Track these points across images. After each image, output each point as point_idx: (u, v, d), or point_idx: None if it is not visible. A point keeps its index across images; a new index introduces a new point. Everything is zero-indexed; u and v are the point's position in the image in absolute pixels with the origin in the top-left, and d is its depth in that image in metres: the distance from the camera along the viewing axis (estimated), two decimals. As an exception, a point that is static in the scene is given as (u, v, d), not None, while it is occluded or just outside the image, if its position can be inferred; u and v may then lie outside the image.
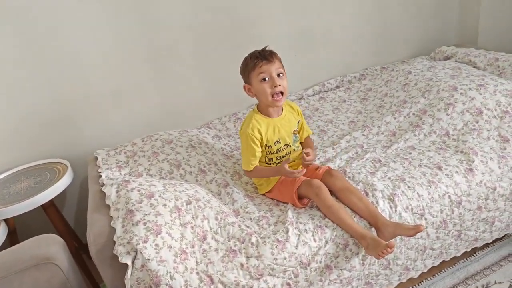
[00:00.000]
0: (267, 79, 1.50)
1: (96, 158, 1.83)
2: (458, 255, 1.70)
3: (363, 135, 1.93)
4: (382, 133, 1.92)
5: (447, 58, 2.45)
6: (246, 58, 1.55)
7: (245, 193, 1.65)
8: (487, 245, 1.81)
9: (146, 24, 1.97)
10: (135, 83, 2.04)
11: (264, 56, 1.50)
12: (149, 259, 1.23)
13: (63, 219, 1.93)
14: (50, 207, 1.78)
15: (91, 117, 2.00)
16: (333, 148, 1.86)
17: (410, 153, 1.73)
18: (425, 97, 1.95)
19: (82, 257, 1.94)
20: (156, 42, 2.02)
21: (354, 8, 2.45)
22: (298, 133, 1.70)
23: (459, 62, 2.32)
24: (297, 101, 2.37)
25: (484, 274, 1.70)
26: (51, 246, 1.33)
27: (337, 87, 2.50)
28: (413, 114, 1.94)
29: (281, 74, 1.52)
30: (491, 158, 1.64)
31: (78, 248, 2.01)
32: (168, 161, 1.74)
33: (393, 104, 2.07)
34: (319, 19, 2.37)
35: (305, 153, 1.53)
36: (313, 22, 2.36)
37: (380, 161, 1.71)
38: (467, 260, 1.76)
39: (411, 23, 2.66)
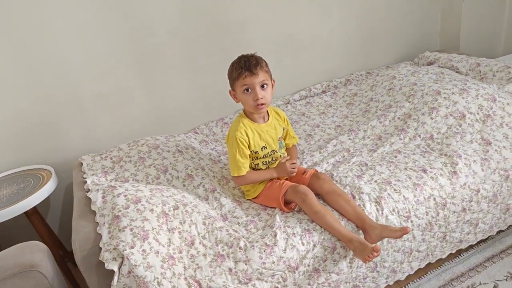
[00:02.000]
0: (249, 90, 1.49)
1: (81, 164, 1.81)
2: (444, 257, 1.72)
3: (350, 139, 1.95)
4: (368, 137, 1.94)
5: (430, 63, 2.50)
6: (233, 64, 1.54)
7: (233, 197, 1.65)
8: (471, 246, 1.83)
9: (133, 29, 1.96)
10: (121, 87, 2.03)
11: (249, 67, 1.47)
12: (136, 265, 1.22)
13: (47, 226, 1.90)
14: (33, 214, 1.74)
15: (76, 122, 1.98)
16: (320, 152, 1.87)
17: (395, 157, 1.75)
18: (410, 102, 1.98)
19: (67, 264, 1.91)
20: (143, 47, 2.01)
21: (340, 14, 2.48)
22: (284, 139, 1.71)
23: (442, 67, 2.36)
24: (283, 106, 2.38)
25: (469, 275, 1.72)
26: (35, 253, 1.30)
27: (323, 92, 2.52)
28: (398, 118, 1.96)
29: (265, 85, 1.51)
30: (474, 161, 1.67)
31: (62, 256, 1.98)
32: (154, 166, 1.72)
33: (379, 108, 2.10)
34: (306, 25, 2.39)
35: (292, 163, 1.56)
36: (300, 28, 2.38)
37: (366, 164, 1.72)
38: (452, 261, 1.78)
39: (395, 29, 2.71)
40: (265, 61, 1.54)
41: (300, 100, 2.45)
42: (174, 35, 2.07)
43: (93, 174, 1.70)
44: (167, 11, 2.01)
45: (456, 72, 2.28)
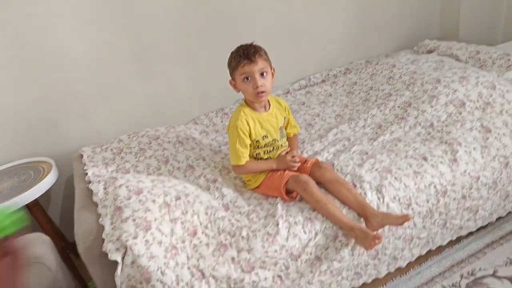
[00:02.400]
0: (249, 78, 1.49)
1: (82, 156, 1.81)
2: (444, 243, 1.74)
3: (350, 128, 1.95)
4: (369, 126, 1.94)
5: (430, 52, 2.49)
6: (232, 53, 1.54)
7: (234, 187, 1.65)
8: (471, 233, 1.84)
9: (131, 21, 1.94)
10: (120, 80, 2.02)
11: (247, 55, 1.47)
12: (139, 255, 1.22)
13: (49, 218, 1.90)
14: (35, 206, 1.74)
15: (76, 115, 1.97)
16: (320, 142, 1.87)
17: (396, 145, 1.75)
18: (410, 90, 1.98)
19: (69, 256, 1.91)
20: (141, 39, 2.00)
21: (340, 3, 2.46)
22: (285, 128, 1.71)
23: (441, 55, 2.36)
24: (283, 96, 2.38)
25: (469, 261, 1.73)
26: (38, 245, 1.31)
27: (323, 81, 2.51)
28: (398, 106, 1.96)
29: (264, 73, 1.50)
30: (474, 148, 1.67)
31: (64, 247, 1.99)
32: (155, 157, 1.72)
33: (378, 97, 2.10)
34: (305, 14, 2.38)
35: (292, 157, 1.57)
36: (299, 17, 2.37)
37: (367, 153, 1.73)
38: (452, 248, 1.80)
39: (394, 18, 2.69)
40: (264, 50, 1.53)
41: (300, 89, 2.44)
42: (173, 27, 2.06)
43: (94, 166, 1.70)
44: (165, 3, 1.99)
45: (456, 60, 2.27)
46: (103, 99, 2.01)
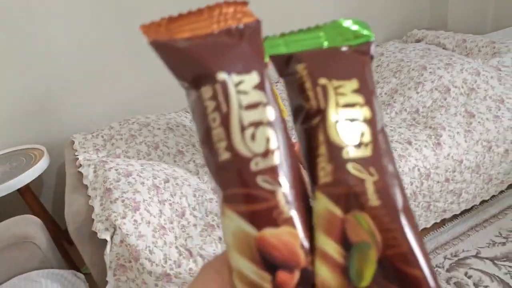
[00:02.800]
0: None
1: (73, 142, 1.83)
2: (428, 226, 1.78)
3: (337, 114, 1.98)
4: (356, 113, 1.97)
5: (418, 41, 2.52)
6: None
7: (223, 172, 1.68)
8: (456, 216, 1.89)
9: (122, 9, 1.96)
10: (112, 68, 2.04)
11: None
12: (128, 234, 1.25)
13: (41, 205, 1.93)
14: (27, 192, 1.77)
15: (68, 102, 2.00)
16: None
17: (382, 130, 1.79)
18: (396, 77, 2.02)
19: (62, 243, 1.94)
20: (133, 27, 2.02)
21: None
22: None
23: (429, 44, 2.39)
24: (275, 83, 2.41)
25: (452, 243, 1.78)
26: (29, 225, 1.34)
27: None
28: (385, 93, 2.00)
29: None
30: (458, 132, 1.71)
31: (57, 234, 2.01)
32: (145, 143, 1.75)
33: (366, 84, 2.13)
34: (296, 4, 2.40)
35: None
36: (291, 7, 2.39)
37: (353, 138, 1.76)
38: (437, 231, 1.84)
39: (386, 8, 2.72)
40: None
41: (289, 78, 2.47)
42: (165, 14, 2.07)
43: (84, 152, 1.72)
44: (155, -10, 2.01)
45: (443, 48, 2.31)
46: (94, 87, 2.03)
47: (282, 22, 2.41)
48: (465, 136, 1.71)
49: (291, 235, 0.26)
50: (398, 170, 0.28)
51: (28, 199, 1.78)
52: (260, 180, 0.27)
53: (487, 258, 1.69)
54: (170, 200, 1.41)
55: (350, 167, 0.27)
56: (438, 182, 1.65)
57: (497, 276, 1.61)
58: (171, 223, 1.37)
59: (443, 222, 1.87)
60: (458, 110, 1.81)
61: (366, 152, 0.28)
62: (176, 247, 1.32)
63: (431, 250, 1.76)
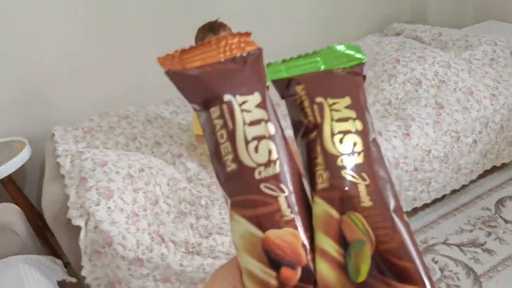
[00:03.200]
0: None
1: (54, 135, 1.88)
2: (400, 214, 1.84)
3: (314, 107, 2.03)
4: (331, 105, 2.03)
5: (398, 34, 2.57)
6: (199, 28, 1.65)
7: (199, 162, 1.73)
8: (428, 205, 1.95)
9: (104, 3, 2.00)
10: (93, 61, 2.08)
11: (212, 28, 1.58)
12: (101, 221, 1.31)
13: (24, 196, 1.97)
14: (9, 183, 1.82)
15: (50, 96, 2.04)
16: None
17: (354, 121, 1.84)
18: (372, 70, 2.07)
19: (45, 233, 1.99)
20: (114, 21, 2.06)
21: (309, -13, 2.53)
22: None
23: (407, 37, 2.44)
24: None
25: (423, 231, 1.84)
26: (8, 213, 1.39)
27: (294, 64, 2.59)
28: (360, 86, 2.05)
29: None
30: (427, 123, 1.76)
31: (41, 226, 2.06)
32: (124, 135, 1.80)
33: (343, 77, 2.18)
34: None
35: None
36: (268, 2, 2.43)
37: (326, 129, 1.81)
38: (409, 219, 1.90)
39: (366, 2, 2.76)
40: (228, 26, 1.63)
41: (270, 72, 2.52)
42: (145, 8, 2.12)
43: (65, 143, 1.77)
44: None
45: (421, 42, 2.35)
46: (78, 81, 2.07)
47: (263, 17, 2.46)
48: (433, 127, 1.76)
49: (293, 236, 0.29)
50: (390, 176, 0.32)
51: (10, 189, 1.82)
52: (263, 187, 0.30)
53: (454, 245, 1.75)
54: (144, 188, 1.46)
55: (344, 173, 0.31)
56: (407, 171, 1.71)
57: (462, 261, 1.67)
58: (145, 210, 1.42)
59: (416, 211, 1.93)
60: (428, 102, 1.86)
61: (358, 159, 0.31)
62: (149, 233, 1.38)
63: (401, 237, 1.82)
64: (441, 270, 1.65)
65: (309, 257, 0.30)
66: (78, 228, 1.35)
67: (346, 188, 0.30)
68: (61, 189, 1.46)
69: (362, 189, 0.30)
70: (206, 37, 1.57)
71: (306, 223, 0.30)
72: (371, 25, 2.85)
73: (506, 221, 1.82)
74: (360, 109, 0.33)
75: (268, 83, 0.34)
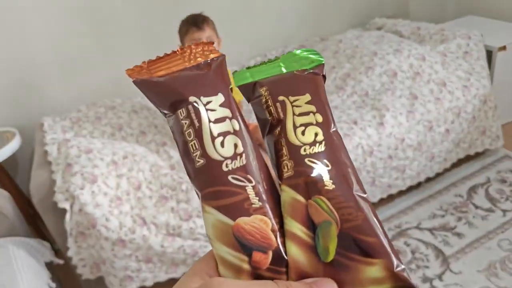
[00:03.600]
0: None
1: (43, 125, 1.94)
2: (375, 201, 1.92)
3: (295, 98, 2.11)
4: (311, 96, 2.10)
5: (379, 29, 2.64)
6: (182, 21, 1.70)
7: (183, 151, 1.81)
8: (403, 193, 2.03)
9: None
10: (81, 53, 2.14)
11: (196, 23, 1.64)
12: (85, 204, 1.38)
13: (15, 184, 2.04)
14: (0, 172, 1.88)
15: (38, 88, 2.10)
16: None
17: (332, 112, 1.92)
18: (350, 62, 2.15)
19: (37, 222, 2.06)
20: (100, 14, 2.12)
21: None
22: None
23: (388, 32, 2.52)
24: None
25: (397, 216, 1.92)
26: (-3, 197, 1.46)
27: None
28: (339, 78, 2.13)
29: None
30: (401, 113, 1.85)
31: (32, 215, 2.13)
32: (110, 125, 1.87)
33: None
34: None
35: None
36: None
37: (305, 119, 1.89)
38: (385, 206, 1.98)
39: (348, -3, 2.84)
40: (211, 20, 1.69)
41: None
42: (131, 3, 2.18)
43: (53, 133, 1.84)
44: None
45: (400, 36, 2.43)
46: (66, 72, 2.13)
47: (247, 12, 2.53)
48: (407, 117, 1.84)
49: (262, 221, 0.31)
50: (351, 161, 0.34)
51: (1, 178, 1.89)
52: (231, 178, 0.31)
53: (426, 229, 1.84)
54: (127, 174, 1.54)
55: (307, 161, 0.33)
56: (381, 159, 1.79)
57: (433, 244, 1.76)
58: (128, 195, 1.50)
59: (392, 198, 2.01)
60: (403, 93, 1.94)
61: (320, 148, 0.33)
62: (131, 216, 1.45)
63: (377, 222, 1.90)
64: (412, 252, 1.73)
65: (279, 240, 0.31)
66: (64, 211, 1.43)
67: (311, 175, 0.32)
68: (48, 175, 1.53)
69: (324, 174, 0.32)
70: (190, 31, 1.64)
71: (275, 211, 0.32)
72: (354, 20, 2.92)
73: (476, 207, 1.91)
74: (320, 103, 0.35)
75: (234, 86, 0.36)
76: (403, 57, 2.04)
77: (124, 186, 1.50)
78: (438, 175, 2.09)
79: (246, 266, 0.30)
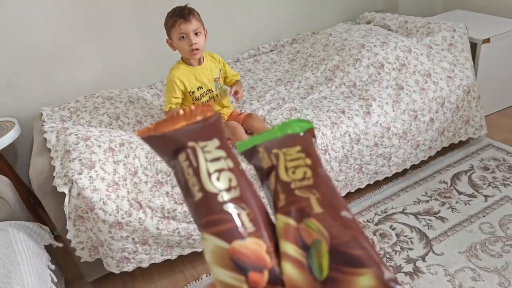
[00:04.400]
0: (184, 37, 1.67)
1: (42, 114, 2.01)
2: (362, 187, 2.00)
3: (286, 89, 2.18)
4: (302, 87, 2.18)
5: (368, 23, 2.72)
6: (168, 13, 1.70)
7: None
8: (390, 179, 2.11)
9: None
10: (78, 46, 2.20)
11: (182, 15, 1.64)
12: (83, 188, 1.45)
13: (15, 172, 2.10)
14: (0, 161, 1.94)
15: (37, 79, 2.16)
16: (258, 101, 2.10)
17: (321, 102, 1.99)
18: (339, 55, 2.21)
19: (37, 209, 2.12)
20: (96, 7, 2.18)
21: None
22: (226, 79, 1.92)
23: (377, 25, 2.59)
24: (233, 64, 2.59)
25: (384, 202, 2.00)
26: (-2, 183, 1.52)
27: (271, 50, 2.73)
28: (329, 69, 2.20)
29: (198, 33, 1.68)
30: (387, 102, 1.92)
31: (32, 203, 2.19)
32: (107, 114, 1.93)
33: (314, 62, 2.33)
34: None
35: (235, 92, 1.78)
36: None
37: (296, 109, 1.96)
38: (372, 193, 2.06)
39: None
40: (197, 11, 1.72)
41: (248, 58, 2.66)
42: (127, -2, 2.24)
43: (52, 122, 1.90)
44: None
45: (388, 29, 2.50)
46: (62, 65, 2.19)
47: (240, 7, 2.59)
48: (393, 106, 1.92)
49: (257, 244, 0.33)
50: (335, 187, 0.38)
51: (1, 166, 1.95)
52: (226, 207, 0.34)
53: (411, 213, 1.92)
54: (124, 160, 1.60)
55: (297, 192, 0.36)
56: (367, 146, 1.86)
57: (417, 228, 1.84)
58: (124, 180, 1.56)
59: (379, 185, 2.09)
60: (389, 84, 2.01)
61: (309, 182, 0.37)
62: (128, 200, 1.52)
63: (365, 208, 1.98)
64: (397, 235, 1.81)
65: (274, 261, 0.33)
66: (63, 196, 1.49)
67: (301, 202, 0.35)
68: (48, 161, 1.59)
69: (313, 200, 0.35)
70: (176, 24, 1.65)
71: (270, 235, 0.34)
72: (345, 15, 3.00)
73: (459, 193, 1.99)
74: (309, 150, 0.38)
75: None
76: (389, 49, 2.11)
77: (121, 171, 1.57)
78: (423, 162, 2.17)
79: (244, 286, 0.31)
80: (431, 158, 2.18)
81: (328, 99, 2.01)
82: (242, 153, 0.41)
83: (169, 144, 0.37)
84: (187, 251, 1.69)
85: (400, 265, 1.68)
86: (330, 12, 2.94)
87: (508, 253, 1.65)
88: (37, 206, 2.20)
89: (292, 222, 0.35)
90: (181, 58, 1.81)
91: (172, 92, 1.73)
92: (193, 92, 1.78)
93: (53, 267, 1.50)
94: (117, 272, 1.61)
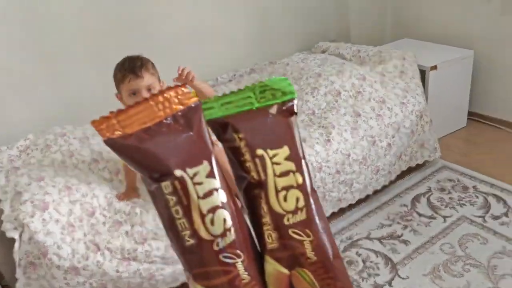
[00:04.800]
0: (135, 93, 1.44)
1: (-12, 155, 1.88)
2: (327, 215, 2.00)
3: (246, 119, 2.18)
4: (262, 117, 2.19)
5: (323, 52, 2.80)
6: (117, 65, 1.50)
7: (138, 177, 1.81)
8: (353, 206, 2.13)
9: (39, 23, 2.05)
10: (32, 81, 2.11)
11: (133, 70, 1.42)
12: (36, 232, 1.35)
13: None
14: None
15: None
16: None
17: (282, 131, 2.00)
18: (297, 84, 2.26)
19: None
20: (51, 41, 2.11)
21: (240, 8, 2.71)
22: None
23: (331, 55, 2.67)
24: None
25: (348, 229, 2.01)
26: None
27: (230, 81, 2.74)
28: (288, 99, 2.22)
29: (152, 89, 1.46)
30: (346, 130, 1.96)
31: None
32: (60, 152, 1.84)
33: (273, 92, 2.35)
34: (207, 17, 2.59)
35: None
36: (202, 20, 2.58)
37: (257, 139, 1.96)
38: (336, 219, 2.07)
39: (294, 22, 2.98)
40: (151, 62, 1.51)
41: (207, 89, 2.65)
42: (80, 32, 2.19)
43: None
44: (71, 7, 2.12)
45: (343, 58, 2.59)
46: (12, 98, 2.08)
47: (199, 38, 2.60)
48: (351, 133, 1.96)
49: None
50: (327, 221, 0.36)
51: None
52: (222, 257, 0.33)
53: (375, 238, 1.93)
54: (81, 200, 1.52)
55: (291, 232, 0.34)
56: (329, 174, 1.88)
57: (382, 252, 1.85)
58: (81, 221, 1.48)
59: (343, 211, 2.10)
60: (347, 111, 2.06)
61: (302, 216, 0.35)
62: (84, 242, 1.43)
63: (329, 235, 1.98)
64: (364, 261, 1.82)
65: None
66: (13, 241, 1.39)
67: (294, 247, 0.34)
68: (-5, 205, 1.48)
69: (308, 246, 0.35)
70: (126, 79, 1.44)
71: (261, 282, 0.34)
72: (301, 43, 3.07)
73: (420, 215, 2.03)
74: (297, 159, 0.37)
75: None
76: (345, 78, 2.17)
77: (77, 212, 1.48)
78: (384, 187, 2.21)
79: None
80: (391, 182, 2.23)
81: (288, 128, 2.03)
82: (208, 122, 0.36)
83: (149, 163, 0.32)
84: (150, 292, 1.61)
85: (368, 292, 1.68)
86: (287, 42, 3.01)
87: (469, 272, 1.69)
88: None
89: (284, 270, 0.34)
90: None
91: None
92: None
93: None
94: (74, 321, 1.50)
